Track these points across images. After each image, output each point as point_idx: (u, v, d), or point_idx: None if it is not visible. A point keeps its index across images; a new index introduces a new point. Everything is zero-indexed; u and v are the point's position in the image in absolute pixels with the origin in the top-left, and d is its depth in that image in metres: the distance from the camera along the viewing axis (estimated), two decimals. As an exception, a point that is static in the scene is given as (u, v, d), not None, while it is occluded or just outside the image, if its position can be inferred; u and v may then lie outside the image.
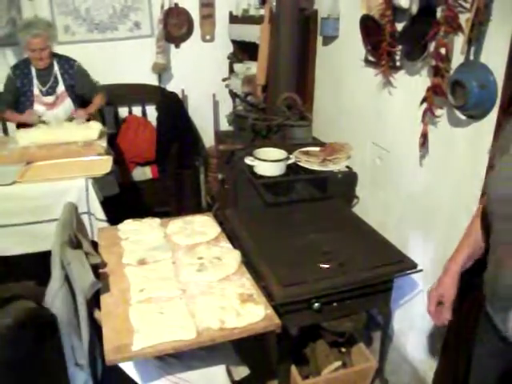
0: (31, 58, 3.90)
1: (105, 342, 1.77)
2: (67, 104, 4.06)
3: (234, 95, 5.07)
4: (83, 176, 3.14)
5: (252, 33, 4.28)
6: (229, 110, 4.99)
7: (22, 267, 3.63)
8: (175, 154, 4.68)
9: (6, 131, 4.64)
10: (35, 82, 3.97)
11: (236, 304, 1.95)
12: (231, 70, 5.03)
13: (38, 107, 3.99)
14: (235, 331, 1.85)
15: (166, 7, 4.81)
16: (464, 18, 2.12)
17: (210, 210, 3.38)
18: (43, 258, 3.20)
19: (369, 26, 2.90)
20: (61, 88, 4.02)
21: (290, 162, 3.02)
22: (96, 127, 3.78)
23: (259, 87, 4.09)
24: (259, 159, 2.95)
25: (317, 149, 3.19)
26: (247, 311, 1.92)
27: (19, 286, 3.67)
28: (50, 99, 4.00)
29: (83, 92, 4.13)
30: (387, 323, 2.84)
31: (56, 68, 4.00)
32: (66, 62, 4.06)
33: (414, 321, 2.91)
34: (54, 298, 1.92)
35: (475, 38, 2.11)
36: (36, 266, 3.62)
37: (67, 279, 1.97)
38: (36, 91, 3.98)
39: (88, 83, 4.13)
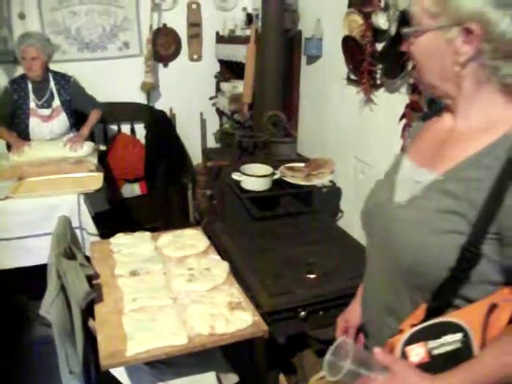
0: (24, 67, 4.02)
1: (100, 348, 1.84)
2: (62, 118, 4.16)
3: (221, 113, 5.16)
4: (75, 192, 3.21)
5: (238, 52, 4.38)
6: (216, 128, 5.10)
7: (13, 282, 3.69)
8: (163, 170, 4.75)
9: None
10: (31, 95, 4.08)
11: (225, 311, 2.03)
12: (218, 89, 5.12)
13: (33, 120, 4.08)
14: (224, 337, 1.93)
15: (155, 27, 4.93)
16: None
17: (198, 226, 3.46)
18: (34, 272, 3.29)
19: (350, 46, 3.02)
20: (56, 102, 4.13)
21: (275, 177, 3.09)
22: (87, 146, 3.88)
23: (246, 105, 4.18)
24: (246, 174, 3.02)
25: (301, 164, 3.27)
26: (236, 318, 1.99)
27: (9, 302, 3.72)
28: (45, 112, 4.10)
29: (79, 106, 4.23)
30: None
31: (52, 83, 4.12)
32: (62, 78, 4.19)
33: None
34: (50, 306, 1.98)
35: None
36: (27, 281, 3.70)
37: (63, 289, 2.04)
38: (32, 104, 4.08)
39: (83, 98, 4.23)
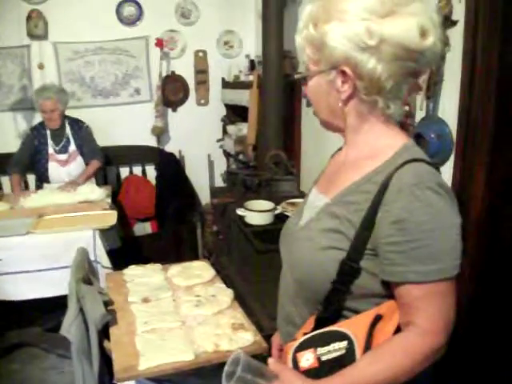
0: (43, 118, 4.26)
1: (114, 363, 2.01)
2: (79, 161, 4.39)
3: (227, 155, 5.34)
4: (91, 227, 3.39)
5: (242, 97, 4.60)
6: (223, 169, 5.30)
7: (27, 314, 3.84)
8: (173, 210, 4.92)
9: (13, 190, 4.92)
10: (50, 141, 4.32)
11: (229, 331, 2.19)
12: (224, 132, 5.32)
13: (52, 164, 4.31)
14: (228, 354, 2.06)
15: (164, 74, 5.17)
16: (422, 79, 2.45)
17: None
18: (49, 304, 3.45)
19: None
20: (72, 147, 4.35)
21: (277, 212, 3.22)
22: (99, 192, 4.09)
23: (250, 146, 4.37)
24: (249, 210, 3.17)
25: (302, 200, 3.44)
26: (238, 337, 2.15)
27: (25, 333, 3.89)
28: (63, 157, 4.33)
29: (84, 153, 4.42)
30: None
31: (68, 129, 4.35)
32: (76, 124, 4.40)
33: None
34: (71, 326, 2.16)
35: (432, 96, 2.44)
36: (42, 313, 3.86)
37: (81, 311, 2.22)
38: (50, 150, 4.32)
39: (89, 147, 4.41)
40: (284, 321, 1.52)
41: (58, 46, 4.93)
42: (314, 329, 1.27)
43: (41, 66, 4.88)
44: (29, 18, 4.73)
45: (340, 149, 1.53)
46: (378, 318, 1.19)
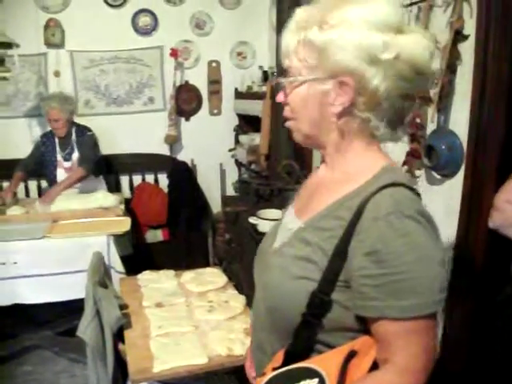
0: (50, 126, 4.31)
1: (129, 366, 2.06)
2: None
3: (239, 164, 5.39)
4: (105, 233, 3.46)
5: (255, 107, 4.63)
6: (235, 178, 5.34)
7: (39, 317, 3.90)
8: (185, 218, 4.97)
9: (28, 195, 5.06)
10: (58, 149, 4.35)
11: (241, 336, 2.24)
12: (237, 141, 5.36)
13: (60, 171, 4.35)
14: (241, 358, 2.12)
15: (178, 84, 5.23)
16: (433, 92, 2.50)
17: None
18: (61, 308, 3.50)
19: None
20: (76, 155, 4.35)
21: (289, 221, 3.29)
22: (112, 199, 4.14)
23: (262, 156, 4.39)
24: (262, 218, 3.22)
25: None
26: (251, 341, 2.21)
27: (37, 336, 3.94)
28: (67, 165, 4.36)
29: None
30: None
31: (73, 136, 4.36)
32: (81, 131, 4.39)
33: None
34: (87, 328, 2.21)
35: (443, 109, 2.48)
36: (54, 317, 3.91)
37: (98, 314, 2.27)
38: (59, 157, 4.35)
39: (82, 153, 4.34)
40: (257, 348, 1.42)
41: (74, 54, 5.01)
42: (284, 363, 1.19)
43: (57, 74, 4.97)
44: (46, 26, 4.82)
45: (318, 167, 1.44)
46: (352, 354, 1.10)
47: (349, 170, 1.23)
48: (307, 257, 1.17)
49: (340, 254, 1.11)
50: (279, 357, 1.21)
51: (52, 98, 4.28)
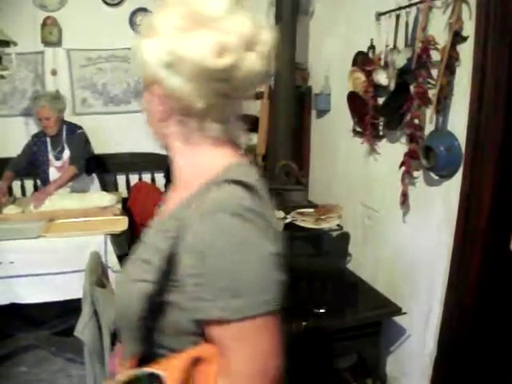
0: (41, 125, 4.30)
1: (127, 366, 2.06)
2: None
3: (237, 164, 5.36)
4: (102, 232, 3.44)
5: (253, 107, 4.64)
6: (231, 178, 5.33)
7: (36, 317, 3.89)
8: (181, 217, 4.94)
9: (24, 194, 5.04)
10: (49, 148, 4.34)
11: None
12: (234, 141, 5.34)
13: (52, 170, 4.35)
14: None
15: (175, 84, 5.20)
16: (432, 93, 2.50)
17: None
18: (57, 308, 3.49)
19: (355, 101, 3.29)
20: (67, 154, 4.34)
21: (287, 221, 3.28)
22: (109, 198, 4.13)
23: (260, 156, 4.41)
24: (259, 218, 3.23)
25: (311, 210, 3.48)
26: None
27: (33, 336, 3.93)
28: (58, 164, 4.35)
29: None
30: (377, 365, 3.08)
31: (64, 135, 4.34)
32: (71, 129, 4.38)
33: (403, 366, 3.13)
34: (84, 328, 2.20)
35: (442, 110, 2.48)
36: (50, 316, 3.90)
37: (95, 313, 2.27)
38: (50, 156, 4.34)
39: (73, 151, 4.32)
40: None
41: (72, 52, 4.99)
42: (136, 367, 1.12)
43: (54, 72, 4.95)
44: (44, 24, 4.79)
45: None
46: (197, 360, 1.05)
47: (193, 171, 1.19)
48: (147, 259, 1.14)
49: (172, 254, 1.06)
50: (130, 361, 1.16)
51: (41, 97, 4.28)
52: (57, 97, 4.38)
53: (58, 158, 4.36)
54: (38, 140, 4.38)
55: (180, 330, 1.09)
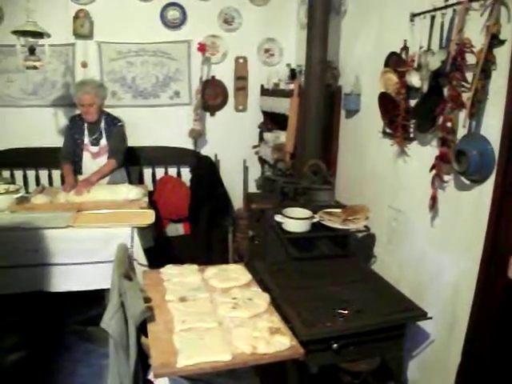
0: (81, 111, 4.36)
1: (152, 359, 2.06)
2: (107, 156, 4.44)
3: (262, 161, 5.40)
4: (130, 225, 3.47)
5: (281, 105, 4.65)
6: (257, 175, 5.33)
7: (58, 306, 3.93)
8: (207, 213, 4.97)
9: (51, 183, 5.12)
10: (86, 132, 4.40)
11: (266, 335, 2.23)
12: (261, 138, 5.37)
13: (86, 154, 4.42)
14: (265, 357, 2.13)
15: (204, 79, 5.24)
16: (466, 97, 2.47)
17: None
18: (79, 298, 3.53)
19: (386, 102, 3.26)
20: (104, 141, 4.42)
21: (314, 220, 3.28)
22: (137, 191, 4.16)
23: (288, 154, 4.40)
24: (287, 217, 3.22)
25: (338, 210, 3.47)
26: (276, 341, 2.19)
27: (56, 325, 4.01)
28: (94, 149, 4.42)
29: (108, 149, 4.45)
30: (400, 369, 3.05)
31: (103, 123, 4.42)
32: (111, 121, 4.47)
33: (426, 371, 3.11)
34: (111, 320, 2.21)
35: (475, 114, 2.45)
36: (72, 306, 3.95)
37: (122, 306, 2.28)
38: (86, 140, 4.41)
39: (113, 144, 4.42)
40: None
41: (102, 45, 5.04)
42: None
43: (84, 65, 5.00)
44: (76, 17, 4.84)
45: None
46: None
47: None
48: None
49: None
50: None
51: (87, 83, 4.37)
52: (101, 85, 4.52)
53: (94, 144, 4.43)
54: (75, 123, 4.48)
55: None
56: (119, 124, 4.49)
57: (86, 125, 4.42)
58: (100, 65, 5.09)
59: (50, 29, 4.09)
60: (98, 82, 4.53)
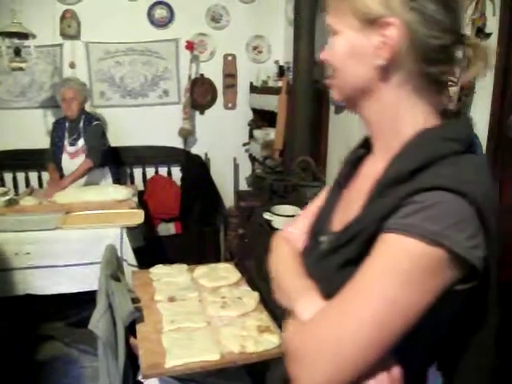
0: (62, 108, 4.35)
1: (141, 360, 2.04)
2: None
3: (253, 159, 5.39)
4: (118, 225, 3.46)
5: (270, 102, 4.63)
6: (248, 173, 5.33)
7: (50, 308, 3.91)
8: (198, 212, 4.96)
9: (41, 185, 5.06)
10: (66, 134, 4.40)
11: (255, 333, 2.21)
12: (251, 136, 5.37)
13: (65, 155, 4.40)
14: (253, 355, 2.11)
15: (193, 77, 5.23)
16: (452, 91, 2.46)
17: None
18: (71, 299, 3.50)
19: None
20: (81, 141, 4.38)
21: (303, 217, 3.28)
22: (125, 192, 4.14)
23: (277, 151, 4.40)
24: (276, 214, 3.21)
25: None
26: (264, 339, 2.18)
27: (49, 327, 3.96)
28: (71, 150, 4.39)
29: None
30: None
31: (81, 124, 4.39)
32: (89, 119, 4.43)
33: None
34: (99, 321, 2.19)
35: (462, 108, 2.45)
36: (64, 308, 3.91)
37: (110, 307, 2.26)
38: (65, 142, 4.40)
39: (89, 143, 4.34)
40: None
41: (90, 45, 5.02)
42: None
43: (72, 65, 4.98)
44: (63, 17, 4.83)
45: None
46: None
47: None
48: None
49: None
50: None
51: (71, 80, 4.41)
52: (84, 85, 4.55)
53: (72, 145, 4.40)
54: (58, 126, 4.48)
55: None
56: (96, 122, 4.44)
57: (67, 125, 4.41)
58: (88, 65, 5.07)
59: (36, 30, 4.09)
60: (82, 82, 4.53)
